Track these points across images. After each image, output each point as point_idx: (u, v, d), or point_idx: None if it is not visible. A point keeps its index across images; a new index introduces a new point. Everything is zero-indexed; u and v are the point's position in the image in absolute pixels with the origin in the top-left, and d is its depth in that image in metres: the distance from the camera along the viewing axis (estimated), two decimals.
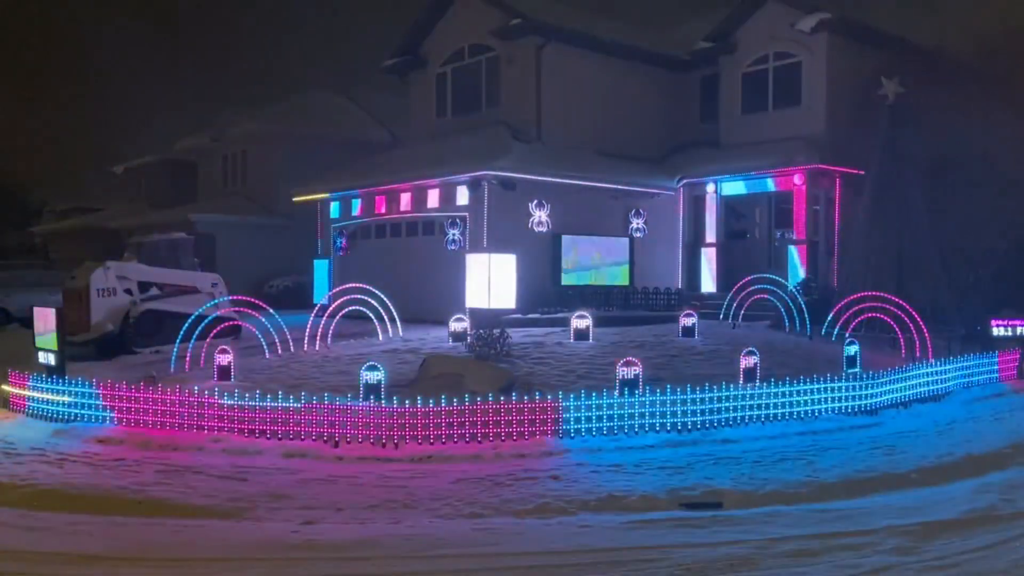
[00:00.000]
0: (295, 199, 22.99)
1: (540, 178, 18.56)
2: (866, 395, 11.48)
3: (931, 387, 12.64)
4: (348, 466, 9.05)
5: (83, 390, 10.57)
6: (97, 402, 10.45)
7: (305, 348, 14.34)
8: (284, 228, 26.04)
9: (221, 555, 6.45)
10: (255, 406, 9.87)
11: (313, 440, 9.69)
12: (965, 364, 13.53)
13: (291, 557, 6.41)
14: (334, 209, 22.20)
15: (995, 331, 15.39)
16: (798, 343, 14.96)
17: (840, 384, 11.35)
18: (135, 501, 7.77)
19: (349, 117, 29.47)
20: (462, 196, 18.62)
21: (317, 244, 22.68)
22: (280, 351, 13.89)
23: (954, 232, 17.17)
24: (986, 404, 12.71)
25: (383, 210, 20.64)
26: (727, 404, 10.49)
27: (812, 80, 19.56)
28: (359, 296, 15.28)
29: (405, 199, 19.94)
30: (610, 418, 9.98)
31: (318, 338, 14.60)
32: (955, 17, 19.99)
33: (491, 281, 17.63)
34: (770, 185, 19.80)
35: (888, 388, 11.83)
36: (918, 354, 13.85)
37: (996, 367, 14.14)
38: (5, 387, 11.61)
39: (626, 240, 20.28)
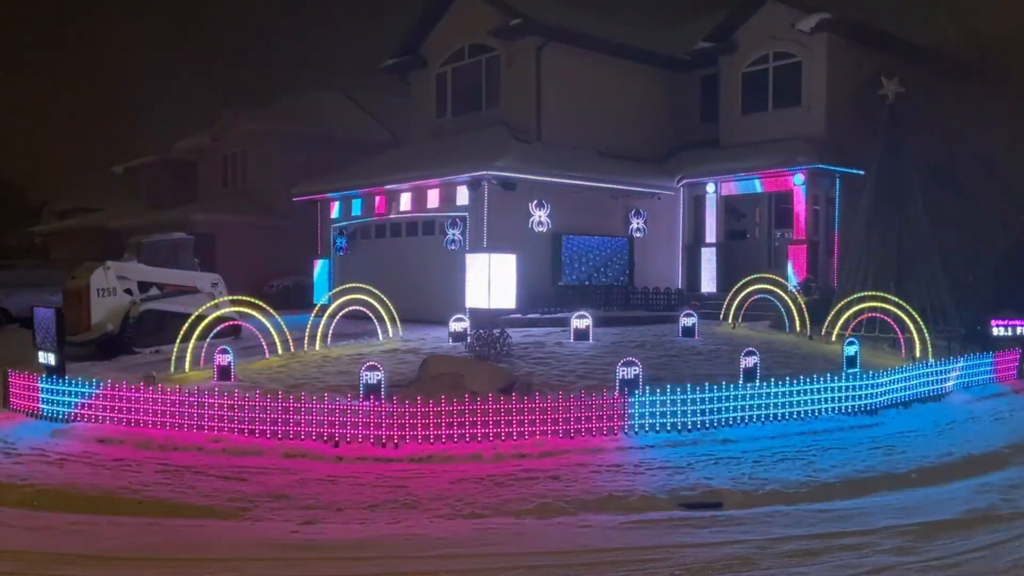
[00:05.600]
0: (295, 199, 23.00)
1: (540, 178, 18.56)
2: (866, 395, 11.48)
3: (931, 387, 12.64)
4: (348, 466, 9.05)
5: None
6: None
7: (305, 348, 14.34)
8: (284, 228, 26.05)
9: (221, 555, 6.45)
10: (255, 406, 9.87)
11: (313, 440, 9.70)
12: (965, 364, 13.52)
13: (291, 557, 6.41)
14: (334, 209, 22.21)
15: (995, 331, 15.41)
16: (798, 343, 14.96)
17: (840, 384, 11.34)
18: (135, 501, 7.76)
19: (349, 117, 29.48)
20: (462, 196, 18.62)
21: (317, 244, 22.69)
22: (280, 351, 13.89)
23: (954, 232, 17.18)
24: (986, 404, 12.71)
25: (383, 210, 20.65)
26: (727, 404, 10.49)
27: (812, 80, 19.56)
28: (359, 296, 15.28)
29: (405, 199, 19.94)
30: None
31: (318, 338, 14.61)
32: (955, 17, 20.00)
33: (491, 281, 17.64)
34: (770, 185, 19.81)
35: (888, 388, 11.83)
36: (918, 354, 13.86)
37: (995, 367, 14.13)
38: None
39: (626, 240, 20.29)
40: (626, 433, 9.99)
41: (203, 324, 13.34)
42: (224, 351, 12.15)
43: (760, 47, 20.48)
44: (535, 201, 18.72)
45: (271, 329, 14.10)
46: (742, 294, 16.30)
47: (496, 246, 17.91)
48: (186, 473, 8.64)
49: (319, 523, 7.30)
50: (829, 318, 15.17)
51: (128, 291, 16.25)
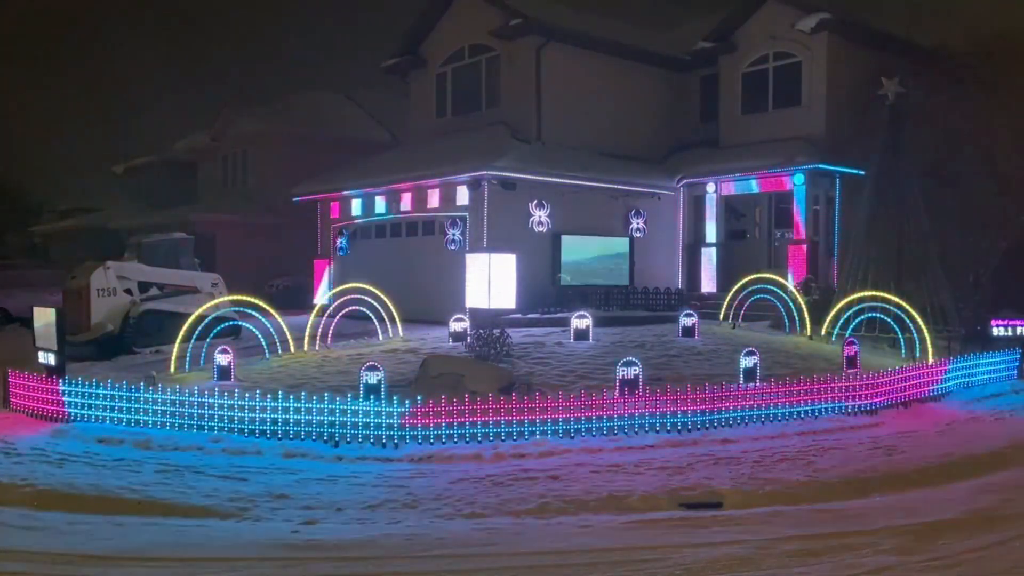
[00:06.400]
0: (295, 199, 23.00)
1: (540, 178, 18.56)
2: (866, 395, 11.47)
3: (930, 387, 12.63)
4: (348, 466, 9.05)
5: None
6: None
7: (305, 348, 14.35)
8: (284, 228, 26.04)
9: (221, 555, 6.45)
10: (255, 406, 9.87)
11: (313, 440, 9.70)
12: (965, 364, 13.53)
13: (291, 557, 6.41)
14: (334, 209, 22.21)
15: (995, 331, 15.42)
16: (798, 343, 14.96)
17: (840, 384, 11.34)
18: (135, 501, 7.76)
19: (349, 117, 29.49)
20: (462, 196, 18.62)
21: (317, 244, 22.69)
22: (280, 351, 13.90)
23: (954, 232, 17.17)
24: (986, 404, 12.71)
25: (383, 210, 20.65)
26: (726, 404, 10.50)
27: (812, 80, 19.55)
28: (359, 296, 15.28)
29: (405, 199, 19.94)
30: None
31: (318, 338, 14.61)
32: (955, 17, 20.00)
33: (491, 281, 17.64)
34: (770, 185, 19.80)
35: (888, 388, 11.82)
36: (918, 354, 13.86)
37: (996, 367, 14.13)
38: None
39: (626, 240, 20.28)
40: None
41: (203, 324, 13.34)
42: (224, 351, 12.15)
43: (760, 47, 20.48)
44: (535, 201, 18.72)
45: (271, 329, 14.10)
46: (742, 294, 16.30)
47: (496, 246, 17.91)
48: (186, 473, 8.64)
49: (319, 523, 7.30)
50: (829, 318, 15.16)
51: (128, 291, 16.26)
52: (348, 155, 24.59)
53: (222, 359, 12.05)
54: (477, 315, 16.51)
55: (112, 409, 10.39)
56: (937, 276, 16.12)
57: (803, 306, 15.70)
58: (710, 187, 20.60)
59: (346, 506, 7.70)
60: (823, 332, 15.19)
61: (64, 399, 10.61)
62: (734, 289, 16.52)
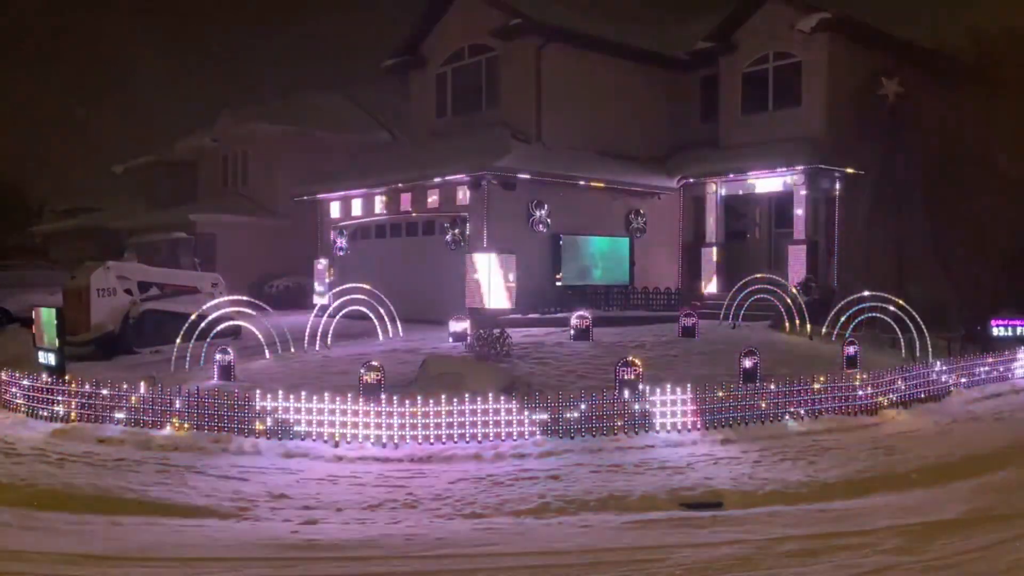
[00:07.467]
0: (295, 199, 23.01)
1: (540, 178, 18.57)
2: (866, 395, 11.47)
3: (931, 387, 12.63)
4: (348, 466, 9.05)
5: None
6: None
7: (305, 348, 14.35)
8: (284, 228, 26.04)
9: (221, 555, 6.45)
10: (254, 406, 9.87)
11: (313, 440, 9.70)
12: (965, 364, 13.52)
13: (291, 557, 6.41)
14: (334, 209, 22.21)
15: (995, 331, 15.42)
16: (798, 343, 14.95)
17: (840, 384, 11.34)
18: (135, 501, 7.77)
19: (349, 117, 29.45)
20: (462, 196, 18.62)
21: (317, 244, 22.69)
22: (280, 351, 13.90)
23: (954, 232, 17.18)
24: (986, 404, 12.71)
25: (383, 210, 20.65)
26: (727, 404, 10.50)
27: (812, 80, 19.54)
28: (359, 296, 15.29)
29: (405, 199, 19.94)
30: None
31: (318, 338, 14.61)
32: (955, 17, 20.01)
33: (491, 281, 17.65)
34: (770, 185, 19.79)
35: (888, 388, 11.82)
36: (918, 354, 13.86)
37: (996, 367, 14.13)
38: None
39: (626, 240, 20.28)
40: None
41: (203, 324, 13.34)
42: (224, 351, 12.15)
43: (760, 47, 20.47)
44: (535, 201, 18.72)
45: (271, 329, 14.11)
46: (742, 294, 16.30)
47: (496, 246, 17.91)
48: (186, 473, 8.64)
49: (319, 523, 7.30)
50: (829, 318, 15.16)
51: (128, 291, 16.26)
52: (348, 155, 24.58)
53: (222, 359, 12.05)
54: (477, 315, 16.51)
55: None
56: (937, 276, 16.13)
57: (803, 306, 15.70)
58: (710, 187, 20.59)
59: (346, 506, 7.70)
60: (823, 332, 15.19)
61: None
62: (734, 289, 16.52)
